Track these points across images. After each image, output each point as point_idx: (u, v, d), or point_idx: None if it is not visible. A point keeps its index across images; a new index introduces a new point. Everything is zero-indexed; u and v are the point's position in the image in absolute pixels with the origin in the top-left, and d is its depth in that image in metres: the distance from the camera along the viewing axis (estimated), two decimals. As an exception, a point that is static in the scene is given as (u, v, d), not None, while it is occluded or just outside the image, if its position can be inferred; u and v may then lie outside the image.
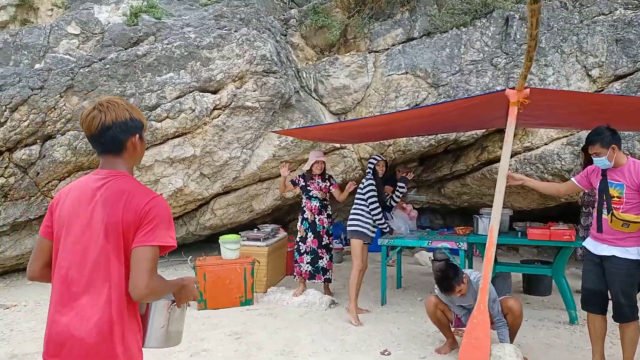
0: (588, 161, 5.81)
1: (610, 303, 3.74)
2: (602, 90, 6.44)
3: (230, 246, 5.75)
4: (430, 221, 9.71)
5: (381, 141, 7.12)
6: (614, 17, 6.54)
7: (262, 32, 6.92)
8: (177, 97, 6.46)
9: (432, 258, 7.26)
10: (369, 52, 7.30)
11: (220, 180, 6.99)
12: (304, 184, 5.86)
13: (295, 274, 5.94)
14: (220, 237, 5.88)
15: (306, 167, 5.85)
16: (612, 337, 4.35)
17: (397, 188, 5.72)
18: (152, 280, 1.64)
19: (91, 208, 1.73)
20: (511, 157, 5.58)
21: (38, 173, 6.38)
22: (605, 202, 3.64)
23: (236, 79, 6.60)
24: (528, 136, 6.74)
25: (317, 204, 5.83)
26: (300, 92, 7.11)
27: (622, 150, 3.74)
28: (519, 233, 5.52)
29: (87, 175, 1.83)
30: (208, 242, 8.22)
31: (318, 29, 7.44)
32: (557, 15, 6.73)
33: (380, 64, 7.18)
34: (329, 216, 5.93)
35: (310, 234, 5.81)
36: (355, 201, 5.55)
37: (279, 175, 6.00)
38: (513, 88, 3.97)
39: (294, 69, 7.24)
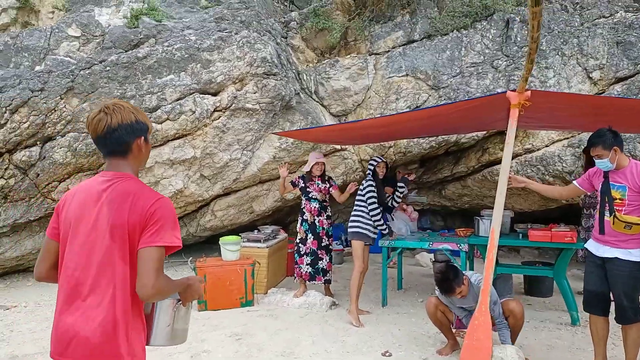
0: (589, 163, 5.81)
1: (612, 305, 3.73)
2: (603, 92, 6.44)
3: (230, 247, 5.74)
4: (430, 223, 9.70)
5: (382, 143, 7.12)
6: (615, 20, 6.54)
7: (263, 34, 6.93)
8: (178, 99, 6.46)
9: (433, 259, 7.33)
10: (370, 55, 7.30)
11: (220, 181, 6.99)
12: (303, 185, 5.86)
13: (295, 275, 5.93)
14: (220, 239, 5.87)
15: (306, 168, 5.85)
16: (614, 339, 4.33)
17: (397, 189, 5.71)
18: (158, 280, 1.68)
19: (97, 209, 1.76)
20: (512, 158, 5.58)
21: (38, 174, 6.38)
22: (607, 204, 3.63)
23: (236, 81, 6.60)
24: (529, 138, 6.73)
25: (317, 206, 5.82)
26: (300, 94, 7.11)
27: (624, 152, 3.73)
28: (520, 235, 5.52)
29: (92, 177, 1.86)
30: (208, 244, 8.22)
31: (318, 32, 7.45)
32: (557, 18, 6.74)
33: (380, 66, 7.18)
34: (328, 217, 5.92)
35: (310, 235, 5.80)
36: (356, 202, 5.55)
37: (279, 177, 5.99)
38: (514, 90, 3.97)
39: (294, 71, 7.25)
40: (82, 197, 1.81)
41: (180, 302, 1.92)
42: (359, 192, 5.55)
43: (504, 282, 4.71)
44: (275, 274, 6.65)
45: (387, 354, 4.26)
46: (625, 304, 3.58)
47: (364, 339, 4.63)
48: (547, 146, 6.70)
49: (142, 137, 1.87)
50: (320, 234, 5.81)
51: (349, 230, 5.51)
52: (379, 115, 6.83)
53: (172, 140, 6.59)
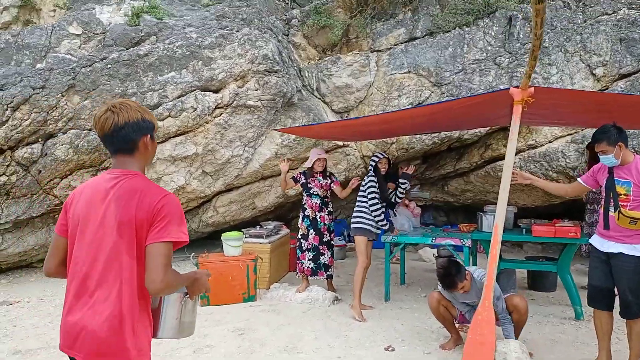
0: (592, 159, 5.81)
1: (617, 299, 3.72)
2: (607, 89, 6.43)
3: (232, 243, 5.74)
4: (433, 218, 9.69)
5: (384, 139, 7.11)
6: (618, 17, 6.53)
7: (264, 32, 6.92)
8: (179, 96, 6.45)
9: (436, 255, 7.32)
10: (372, 52, 7.29)
11: (222, 178, 6.98)
12: (304, 181, 5.85)
13: (297, 271, 5.92)
14: (222, 234, 5.88)
15: (307, 164, 5.84)
16: (618, 333, 4.33)
17: (400, 184, 5.70)
18: (167, 274, 1.72)
19: (105, 206, 1.79)
20: (515, 154, 5.56)
21: (40, 171, 6.38)
22: (612, 200, 3.62)
23: (238, 78, 6.59)
24: (532, 134, 6.72)
25: (318, 201, 5.81)
26: (302, 91, 7.10)
27: (629, 148, 3.72)
28: (524, 230, 5.50)
29: (100, 175, 1.90)
30: (210, 239, 8.21)
31: (320, 29, 7.44)
32: (560, 15, 6.73)
33: (382, 63, 7.17)
34: (329, 213, 5.92)
35: (311, 231, 5.80)
36: (358, 198, 5.54)
37: (281, 173, 5.98)
38: (517, 87, 3.96)
39: (296, 68, 7.24)
40: (89, 195, 1.85)
41: (188, 295, 1.95)
42: (361, 188, 5.55)
43: (508, 277, 4.71)
44: (278, 270, 6.64)
45: (390, 349, 4.25)
46: (630, 299, 3.57)
47: (367, 334, 4.62)
48: (550, 142, 6.69)
49: (149, 135, 1.90)
50: (322, 230, 5.80)
51: (352, 226, 5.51)
52: (381, 112, 6.82)
53: (173, 137, 6.59)
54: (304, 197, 5.89)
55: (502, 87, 6.38)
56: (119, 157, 1.88)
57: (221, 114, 6.62)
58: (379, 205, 5.37)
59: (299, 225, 5.91)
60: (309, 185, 5.82)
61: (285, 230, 7.08)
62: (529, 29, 6.69)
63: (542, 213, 7.69)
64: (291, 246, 6.99)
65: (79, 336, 1.74)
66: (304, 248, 5.81)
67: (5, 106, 6.01)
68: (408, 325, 4.85)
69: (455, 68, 6.85)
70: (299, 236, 5.89)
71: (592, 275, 3.86)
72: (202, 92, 6.53)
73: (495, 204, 4.04)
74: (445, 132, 6.88)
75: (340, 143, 7.29)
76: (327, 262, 5.79)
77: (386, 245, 5.69)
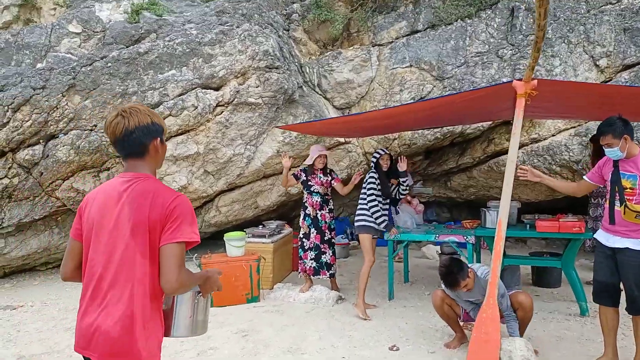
0: (596, 152, 5.75)
1: (623, 295, 3.68)
2: (610, 80, 6.35)
3: (235, 243, 5.72)
4: (436, 215, 9.64)
5: (386, 135, 7.06)
6: (622, 6, 6.43)
7: (265, 27, 6.87)
8: (180, 95, 6.42)
9: (440, 252, 7.29)
10: (373, 46, 7.23)
11: (224, 177, 6.95)
12: (305, 178, 5.81)
13: (299, 270, 5.90)
14: (225, 235, 5.85)
15: (308, 161, 5.79)
16: (624, 329, 4.28)
17: (401, 182, 5.63)
18: (181, 274, 1.78)
19: (118, 209, 1.84)
20: (518, 149, 5.52)
21: (42, 173, 6.37)
22: (617, 194, 3.57)
23: (239, 75, 6.55)
24: (535, 127, 6.66)
25: (319, 199, 5.78)
26: (303, 87, 7.05)
27: (634, 141, 3.66)
28: (528, 225, 5.46)
29: (113, 179, 1.95)
30: (213, 239, 8.20)
31: (321, 23, 7.39)
32: (563, 5, 6.64)
33: (384, 57, 7.11)
34: (330, 211, 5.88)
35: (313, 229, 5.76)
36: (361, 196, 5.50)
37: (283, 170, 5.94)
38: (520, 79, 3.91)
39: (297, 64, 7.19)
40: (103, 198, 1.89)
41: (200, 294, 2.00)
42: (363, 185, 5.51)
43: (512, 273, 4.66)
44: (281, 269, 6.62)
45: (394, 349, 4.22)
46: (636, 295, 3.53)
47: (371, 334, 4.60)
48: (553, 135, 6.63)
49: (158, 139, 1.95)
50: (323, 228, 5.77)
51: (356, 224, 5.47)
52: (382, 107, 6.77)
53: (175, 136, 6.56)
54: (305, 195, 5.86)
55: (504, 80, 6.31)
56: (131, 161, 1.93)
57: (222, 112, 6.59)
58: (376, 202, 5.33)
59: (301, 224, 5.88)
60: (309, 183, 5.78)
61: (287, 230, 7.05)
62: (531, 20, 6.60)
63: (545, 208, 7.64)
64: (294, 245, 6.97)
65: (93, 337, 1.78)
66: (306, 247, 5.78)
67: (6, 107, 6.00)
68: (412, 324, 4.83)
69: (457, 61, 6.78)
70: (301, 235, 5.86)
71: (598, 270, 3.82)
72: (203, 90, 6.49)
73: (499, 199, 3.99)
74: (448, 127, 6.83)
75: (342, 140, 7.25)
76: (329, 261, 5.76)
77: (389, 243, 5.66)
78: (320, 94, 7.34)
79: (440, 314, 4.26)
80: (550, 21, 6.46)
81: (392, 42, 7.15)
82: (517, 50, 6.61)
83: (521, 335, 3.98)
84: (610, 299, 3.73)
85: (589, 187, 3.98)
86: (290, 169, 5.89)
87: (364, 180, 5.51)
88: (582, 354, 4.07)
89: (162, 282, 1.78)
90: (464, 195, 8.56)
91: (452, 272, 3.90)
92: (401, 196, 5.76)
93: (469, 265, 4.16)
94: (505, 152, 6.61)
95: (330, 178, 5.82)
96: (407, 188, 5.68)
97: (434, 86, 6.83)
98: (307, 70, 7.29)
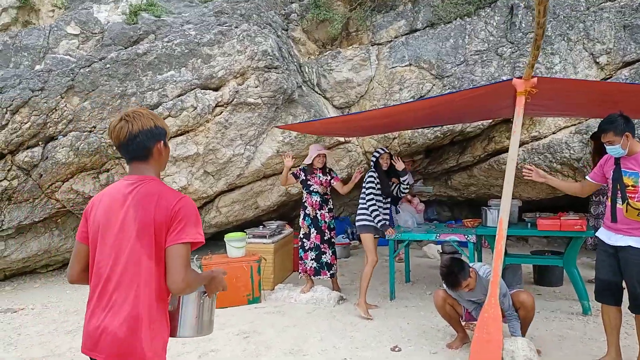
0: (597, 149, 5.74)
1: (625, 294, 3.66)
2: (611, 77, 6.33)
3: (235, 244, 5.70)
4: (437, 213, 9.63)
5: (386, 134, 7.04)
6: (622, 3, 6.41)
7: (263, 27, 6.85)
8: (179, 95, 6.40)
9: (441, 251, 7.27)
10: (372, 45, 7.21)
11: (224, 177, 6.93)
12: (304, 178, 5.79)
13: (300, 271, 5.87)
14: (225, 236, 5.84)
15: (307, 160, 5.77)
16: (627, 328, 4.27)
17: (401, 180, 5.61)
18: (187, 274, 1.80)
19: (124, 211, 1.86)
20: (519, 146, 5.49)
21: (41, 175, 6.35)
22: (619, 192, 3.55)
23: (238, 75, 6.53)
24: (535, 125, 6.64)
25: (318, 199, 5.75)
26: (302, 87, 7.03)
27: (635, 138, 3.64)
28: (529, 224, 5.44)
29: (118, 182, 1.98)
30: (214, 240, 8.18)
31: (319, 23, 7.36)
32: (563, 3, 6.61)
33: (383, 56, 7.09)
34: (330, 210, 5.86)
35: (313, 229, 5.75)
36: (361, 195, 5.49)
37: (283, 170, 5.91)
38: (520, 77, 3.89)
39: (296, 63, 7.17)
40: (108, 201, 1.92)
41: (206, 294, 2.03)
42: (363, 184, 5.49)
43: (513, 272, 4.64)
44: (282, 270, 6.60)
45: (396, 349, 4.21)
46: (639, 293, 3.51)
47: (373, 334, 4.58)
48: (554, 133, 6.61)
49: (162, 142, 1.98)
50: (323, 228, 5.75)
51: (357, 223, 5.46)
52: (382, 106, 6.75)
53: (174, 137, 6.54)
54: (304, 195, 5.84)
55: (504, 78, 6.29)
56: (135, 164, 1.96)
57: (221, 112, 6.57)
58: (373, 201, 5.32)
59: (301, 224, 5.86)
60: (308, 183, 5.76)
61: (288, 230, 7.04)
62: (531, 17, 6.58)
63: (546, 206, 7.62)
64: (295, 246, 6.96)
65: (100, 338, 1.80)
66: (306, 247, 5.76)
67: (5, 109, 5.98)
68: (414, 324, 4.81)
69: (456, 60, 6.76)
70: (301, 235, 5.84)
71: (600, 269, 3.79)
72: (202, 91, 6.47)
73: (500, 197, 3.97)
74: (448, 126, 6.81)
75: (342, 139, 7.23)
76: (329, 261, 5.74)
77: (390, 243, 5.64)
78: (319, 94, 7.32)
79: (442, 314, 4.24)
80: (550, 19, 6.44)
81: (391, 41, 7.13)
82: (516, 48, 6.59)
83: (523, 334, 3.96)
84: (613, 297, 3.71)
85: (593, 187, 3.94)
86: (290, 169, 5.87)
87: (364, 180, 5.49)
88: (585, 353, 4.05)
89: (169, 283, 1.81)
90: (465, 194, 8.54)
91: (453, 272, 3.88)
92: (402, 194, 5.74)
93: (471, 264, 4.14)
94: (505, 150, 6.59)
95: (329, 177, 5.80)
96: (408, 186, 5.65)
97: (434, 85, 6.81)
98: (307, 70, 7.28)
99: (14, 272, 7.17)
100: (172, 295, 1.94)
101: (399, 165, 5.39)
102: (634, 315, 3.66)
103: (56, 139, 6.31)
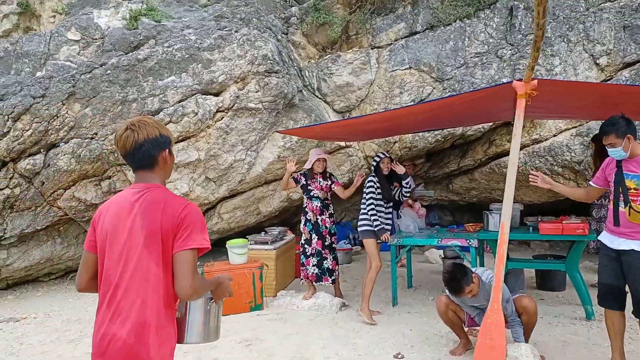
0: (598, 152, 5.71)
1: (629, 298, 3.63)
2: (611, 78, 6.31)
3: (237, 251, 5.69)
4: (439, 218, 9.60)
5: (387, 138, 7.03)
6: (621, 4, 6.39)
7: (263, 31, 6.85)
8: (180, 101, 6.40)
9: (443, 256, 7.25)
10: (372, 48, 7.21)
11: (225, 183, 6.92)
12: (304, 183, 5.77)
13: (302, 277, 5.85)
14: (227, 242, 5.82)
15: (307, 165, 5.74)
16: (631, 332, 4.23)
17: (403, 184, 5.59)
18: (195, 279, 1.82)
19: (131, 219, 1.88)
20: (520, 150, 5.49)
21: (43, 183, 6.35)
22: (622, 195, 3.51)
23: (238, 80, 6.53)
24: (536, 128, 6.62)
25: (319, 204, 5.73)
26: (303, 91, 7.03)
27: (637, 140, 3.61)
28: (531, 228, 5.41)
29: (124, 190, 2.00)
30: (216, 247, 8.16)
31: (319, 27, 7.36)
32: (562, 4, 6.60)
33: (383, 59, 7.08)
34: (331, 215, 5.84)
35: (314, 235, 5.72)
36: (363, 200, 5.47)
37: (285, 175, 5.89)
38: (520, 79, 3.87)
39: (296, 68, 7.16)
40: (116, 210, 1.94)
41: (213, 300, 2.04)
42: (364, 189, 5.48)
43: (516, 277, 4.64)
44: (284, 276, 6.58)
45: (399, 356, 4.18)
46: (642, 297, 3.49)
47: (375, 341, 4.56)
48: (554, 136, 6.59)
49: (167, 150, 2.01)
50: (324, 233, 5.73)
51: (359, 229, 5.45)
52: (383, 110, 6.74)
53: (175, 143, 6.53)
54: (305, 201, 5.82)
55: (504, 80, 6.29)
56: (141, 172, 1.99)
57: (222, 117, 6.57)
58: (373, 206, 5.31)
59: (302, 230, 5.83)
60: (309, 188, 5.75)
61: (290, 236, 7.02)
62: (530, 19, 6.57)
63: (548, 209, 7.60)
64: (297, 252, 6.94)
65: (109, 345, 1.81)
66: (308, 253, 5.73)
67: (6, 117, 5.99)
68: (417, 331, 4.79)
69: (456, 62, 6.75)
70: (302, 241, 5.81)
71: (602, 273, 3.76)
72: (203, 96, 6.47)
73: (501, 201, 3.95)
74: (449, 129, 6.79)
75: (343, 144, 7.22)
76: (330, 267, 5.71)
77: (392, 248, 5.63)
78: (320, 98, 7.32)
79: (445, 320, 4.22)
80: (549, 20, 6.43)
81: (391, 44, 7.12)
82: (516, 50, 6.58)
83: (526, 340, 3.94)
84: (616, 302, 3.68)
85: (598, 191, 3.91)
86: (292, 174, 5.85)
87: (364, 185, 5.47)
88: (589, 358, 4.03)
89: (177, 288, 1.83)
90: (466, 198, 8.52)
91: (456, 278, 3.86)
92: (404, 198, 5.71)
93: (473, 269, 4.12)
94: (506, 153, 6.58)
95: (330, 182, 5.78)
96: (410, 189, 5.62)
97: (434, 88, 6.80)
98: (307, 74, 7.27)
99: (16, 281, 7.17)
100: (180, 301, 1.96)
101: (399, 170, 5.37)
102: (637, 319, 3.62)
103: (58, 146, 6.31)
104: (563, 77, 6.30)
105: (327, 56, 7.35)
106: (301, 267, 5.84)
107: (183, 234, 1.83)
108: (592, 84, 5.45)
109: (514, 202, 4.09)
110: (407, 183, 5.52)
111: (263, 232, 6.86)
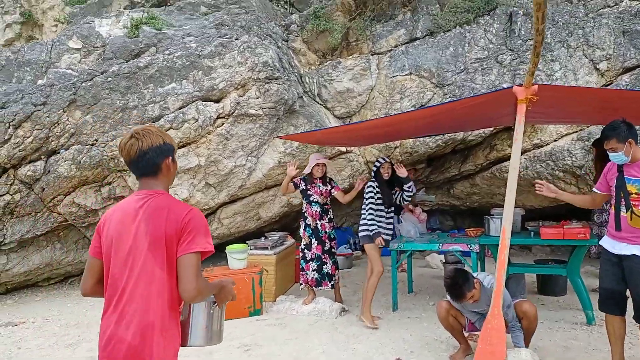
0: (599, 157, 5.69)
1: (630, 303, 3.61)
2: (611, 83, 6.31)
3: (237, 256, 5.68)
4: (440, 223, 9.58)
5: (387, 143, 7.03)
6: (620, 9, 6.41)
7: (264, 38, 6.88)
8: (180, 108, 6.42)
9: (444, 261, 7.22)
10: (372, 55, 7.23)
11: (226, 189, 6.92)
12: (304, 187, 5.76)
13: (301, 282, 5.83)
14: (227, 247, 5.81)
15: (307, 170, 5.73)
16: (632, 338, 4.20)
17: (404, 189, 5.57)
18: (199, 282, 1.87)
19: (136, 225, 1.93)
20: (521, 154, 5.48)
21: (43, 189, 6.37)
22: (623, 199, 3.50)
23: (239, 86, 6.55)
24: (537, 133, 6.62)
25: (318, 209, 5.72)
26: (303, 97, 7.04)
27: (638, 145, 3.60)
28: (532, 233, 5.40)
29: (128, 197, 2.06)
30: (216, 252, 8.17)
31: (319, 33, 7.39)
32: (561, 10, 6.63)
33: (383, 65, 7.10)
34: (330, 220, 5.82)
35: (314, 240, 5.71)
36: (363, 206, 5.46)
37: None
38: (520, 85, 3.88)
39: (296, 74, 7.18)
40: (120, 216, 1.98)
41: (216, 304, 2.08)
42: (364, 195, 5.47)
43: (516, 282, 4.61)
44: (284, 281, 6.57)
45: (399, 361, 4.17)
46: (644, 302, 3.46)
47: (375, 346, 4.54)
48: (555, 140, 6.58)
49: (170, 157, 2.05)
50: (323, 238, 5.71)
51: (360, 234, 5.43)
52: (383, 116, 6.75)
53: (176, 149, 6.54)
54: (304, 205, 5.80)
55: (505, 85, 6.29)
56: (145, 180, 2.03)
57: (223, 123, 6.58)
58: (371, 211, 5.30)
59: (301, 235, 5.82)
60: (308, 192, 5.73)
61: (290, 241, 7.01)
62: (530, 25, 6.58)
63: (549, 214, 7.57)
64: (297, 257, 6.92)
65: (114, 348, 1.86)
66: (308, 258, 5.72)
67: (8, 124, 6.01)
68: (417, 336, 4.76)
69: (457, 68, 6.77)
70: (302, 246, 5.80)
71: (604, 278, 3.74)
72: (203, 103, 6.48)
73: (502, 206, 3.94)
74: (449, 134, 6.79)
75: (344, 149, 7.22)
76: (330, 272, 5.69)
77: (392, 253, 5.61)
78: (320, 104, 7.33)
79: (445, 325, 4.19)
80: (549, 25, 6.44)
81: (391, 50, 7.15)
82: (516, 55, 6.59)
83: (527, 345, 3.92)
84: (617, 307, 3.65)
85: (603, 197, 3.86)
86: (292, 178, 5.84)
87: (364, 190, 5.47)
88: (590, 363, 4.01)
89: (181, 291, 1.87)
90: (467, 203, 8.50)
91: (458, 283, 3.83)
92: (405, 202, 5.69)
93: (475, 274, 4.10)
94: (507, 158, 6.57)
95: (329, 187, 5.77)
96: (411, 193, 5.58)
97: (434, 93, 6.80)
98: (307, 81, 7.29)
99: (15, 286, 7.17)
100: (184, 304, 2.00)
101: (402, 172, 5.30)
102: (638, 324, 3.60)
103: (58, 152, 6.33)
104: (563, 82, 6.31)
105: (328, 62, 7.37)
106: (301, 272, 5.82)
107: (187, 238, 1.87)
108: (593, 89, 5.45)
109: (515, 207, 4.08)
110: (409, 187, 5.49)
111: (263, 237, 6.85)
